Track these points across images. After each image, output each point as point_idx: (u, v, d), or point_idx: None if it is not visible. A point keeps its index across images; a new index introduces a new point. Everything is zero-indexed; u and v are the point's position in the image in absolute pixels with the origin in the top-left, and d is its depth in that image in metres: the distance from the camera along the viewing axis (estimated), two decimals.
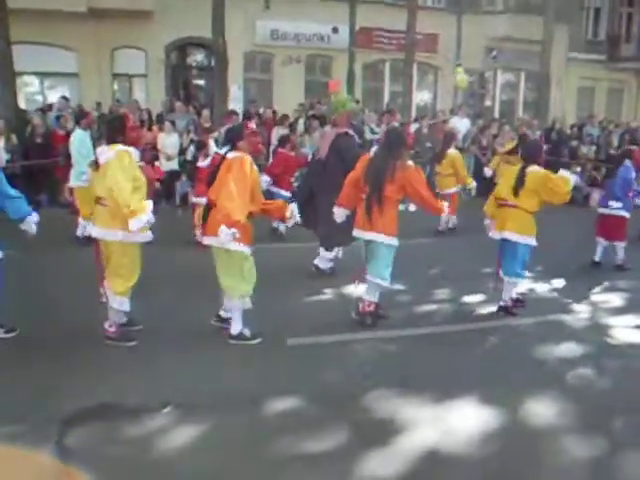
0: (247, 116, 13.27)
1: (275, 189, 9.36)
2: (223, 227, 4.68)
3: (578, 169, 13.88)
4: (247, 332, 5.26)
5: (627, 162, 8.11)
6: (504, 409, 4.16)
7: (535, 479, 3.50)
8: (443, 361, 5.01)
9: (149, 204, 4.81)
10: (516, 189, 5.90)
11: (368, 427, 3.91)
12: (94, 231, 4.98)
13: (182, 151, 11.99)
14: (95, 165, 4.97)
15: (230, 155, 5.10)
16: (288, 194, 9.08)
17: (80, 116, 9.22)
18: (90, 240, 5.35)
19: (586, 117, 17.87)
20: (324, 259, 7.37)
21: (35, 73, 17.95)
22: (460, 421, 4.00)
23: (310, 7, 19.01)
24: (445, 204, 5.84)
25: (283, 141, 10.04)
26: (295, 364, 4.86)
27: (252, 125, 10.28)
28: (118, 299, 4.97)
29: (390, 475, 3.41)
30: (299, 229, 6.88)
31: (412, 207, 7.92)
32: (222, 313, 5.48)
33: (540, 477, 3.52)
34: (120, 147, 4.85)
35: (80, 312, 5.69)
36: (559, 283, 7.34)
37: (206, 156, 9.03)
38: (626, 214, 8.04)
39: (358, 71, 19.31)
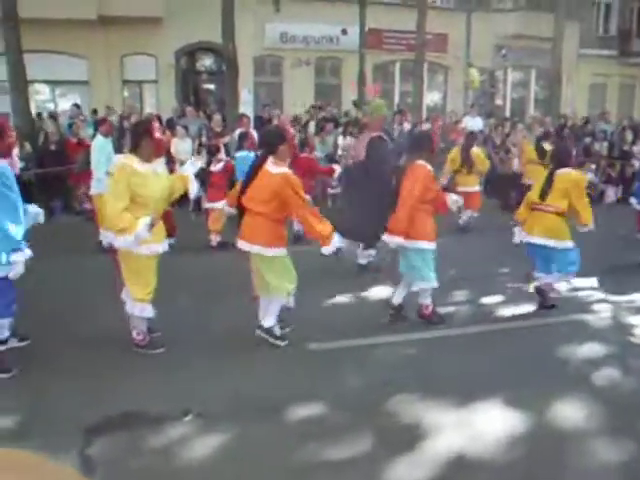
0: (261, 121, 13.30)
1: None
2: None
3: (593, 166, 13.76)
4: (277, 331, 5.25)
5: None
6: (530, 411, 4.09)
7: None
8: (465, 363, 4.94)
9: (143, 222, 4.60)
10: (544, 192, 5.92)
11: (392, 433, 3.86)
12: (110, 238, 4.97)
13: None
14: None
15: (273, 170, 4.96)
16: (308, 197, 9.02)
17: (98, 123, 9.24)
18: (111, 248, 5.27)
19: (597, 114, 17.73)
20: (364, 255, 7.52)
21: (46, 81, 18.07)
22: (485, 425, 3.93)
23: (319, 9, 19.02)
24: (455, 198, 5.86)
25: (303, 145, 9.95)
26: (317, 370, 4.81)
27: (291, 129, 10.18)
28: (139, 306, 4.91)
29: None
30: None
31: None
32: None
33: None
34: (125, 157, 4.78)
35: (98, 321, 5.67)
36: (580, 282, 7.23)
37: (219, 161, 9.03)
38: None
39: (368, 72, 19.29)
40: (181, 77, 19.21)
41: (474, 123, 14.76)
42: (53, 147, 11.69)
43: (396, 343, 5.38)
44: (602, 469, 3.52)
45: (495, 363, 4.97)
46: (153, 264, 4.93)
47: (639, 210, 8.43)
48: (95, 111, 14.78)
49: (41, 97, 18.39)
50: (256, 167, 5.06)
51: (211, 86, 20.64)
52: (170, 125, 12.84)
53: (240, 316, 5.82)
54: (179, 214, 10.81)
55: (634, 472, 3.51)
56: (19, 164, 10.59)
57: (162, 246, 4.93)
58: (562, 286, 6.48)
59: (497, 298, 6.68)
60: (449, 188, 9.29)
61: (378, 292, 6.77)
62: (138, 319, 5.01)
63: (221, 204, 8.93)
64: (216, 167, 9.01)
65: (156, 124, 5.09)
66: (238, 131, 9.98)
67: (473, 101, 19.37)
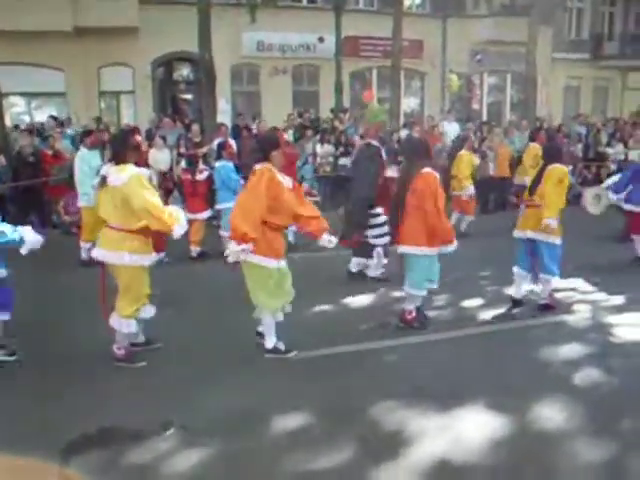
0: (238, 130, 13.28)
1: None
2: (232, 243, 4.66)
3: (569, 168, 13.91)
4: (282, 346, 5.18)
5: None
6: (512, 414, 4.11)
7: None
8: (448, 368, 4.96)
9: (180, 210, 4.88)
10: (533, 187, 6.03)
11: (377, 440, 3.85)
12: (99, 253, 4.81)
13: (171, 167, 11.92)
14: (102, 183, 4.77)
15: (257, 166, 4.89)
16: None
17: (84, 135, 9.05)
18: (94, 262, 5.10)
19: (570, 117, 17.97)
20: (373, 267, 7.48)
21: (21, 93, 17.91)
22: (469, 428, 3.94)
23: (295, 17, 19.10)
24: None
25: None
26: (301, 379, 4.78)
27: (285, 135, 10.18)
28: (125, 322, 4.86)
29: None
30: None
31: None
32: (260, 328, 5.32)
33: None
34: (133, 170, 4.69)
35: (77, 336, 5.61)
36: (559, 283, 7.30)
37: (201, 172, 9.02)
38: None
39: (345, 79, 19.38)
40: (158, 87, 19.14)
41: (451, 128, 14.88)
42: (30, 159, 11.49)
43: (380, 350, 5.37)
44: (586, 469, 3.54)
45: (477, 366, 4.99)
46: (143, 276, 4.89)
47: (627, 210, 8.39)
48: (69, 120, 14.59)
49: (16, 109, 18.21)
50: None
51: (188, 96, 20.57)
52: (148, 136, 12.78)
53: (222, 328, 5.80)
54: None
55: (617, 470, 3.53)
56: None
57: (150, 258, 4.90)
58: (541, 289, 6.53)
59: (478, 301, 6.72)
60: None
61: (363, 300, 6.80)
62: (122, 335, 4.95)
63: (202, 215, 8.94)
64: (200, 176, 9.00)
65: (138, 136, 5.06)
66: (217, 141, 9.95)
67: (450, 106, 19.54)
